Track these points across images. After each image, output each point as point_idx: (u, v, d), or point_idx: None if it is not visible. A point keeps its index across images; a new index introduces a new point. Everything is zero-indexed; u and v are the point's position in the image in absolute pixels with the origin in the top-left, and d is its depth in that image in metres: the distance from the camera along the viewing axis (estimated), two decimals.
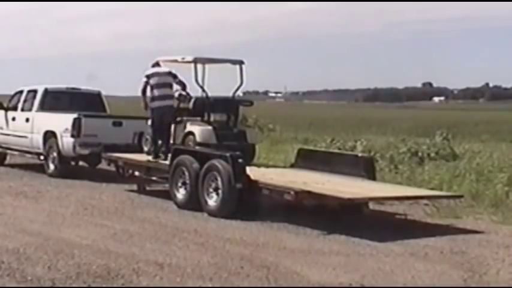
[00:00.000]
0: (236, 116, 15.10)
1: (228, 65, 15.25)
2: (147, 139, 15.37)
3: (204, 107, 14.72)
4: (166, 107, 14.52)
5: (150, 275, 8.18)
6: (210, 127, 14.48)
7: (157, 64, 14.75)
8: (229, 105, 15.04)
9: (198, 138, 14.28)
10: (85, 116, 17.34)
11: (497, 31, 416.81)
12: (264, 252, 9.55)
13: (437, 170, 16.87)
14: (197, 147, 14.12)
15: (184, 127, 14.68)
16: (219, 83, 16.85)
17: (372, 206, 12.65)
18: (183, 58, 14.90)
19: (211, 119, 14.72)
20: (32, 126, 18.32)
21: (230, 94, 15.17)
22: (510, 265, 9.26)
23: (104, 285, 7.75)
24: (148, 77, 14.46)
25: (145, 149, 15.33)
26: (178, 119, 14.86)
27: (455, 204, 13.51)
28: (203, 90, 14.76)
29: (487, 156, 19.11)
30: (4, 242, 9.77)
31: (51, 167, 17.61)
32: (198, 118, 14.73)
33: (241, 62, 15.02)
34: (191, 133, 14.42)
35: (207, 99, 14.77)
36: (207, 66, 15.19)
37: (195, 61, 14.75)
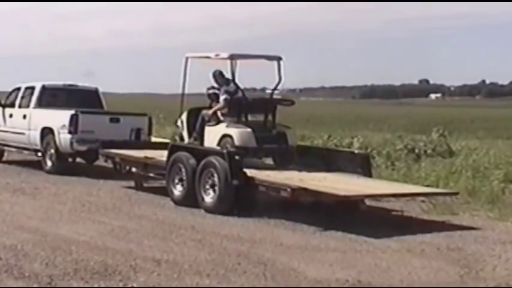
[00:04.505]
0: (274, 116, 13.99)
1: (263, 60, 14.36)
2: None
3: (241, 107, 13.79)
4: None
5: (148, 272, 8.21)
6: (249, 129, 13.40)
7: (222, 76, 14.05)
8: (267, 105, 14.02)
9: (236, 142, 13.23)
10: (82, 112, 17.34)
11: (494, 28, 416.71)
12: (261, 249, 9.57)
13: (434, 166, 16.89)
14: (194, 144, 14.08)
15: (220, 129, 13.67)
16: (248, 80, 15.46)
17: (368, 202, 12.64)
18: (217, 55, 14.02)
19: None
20: (29, 123, 18.32)
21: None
22: (506, 261, 9.29)
23: (102, 282, 7.78)
24: (230, 93, 13.80)
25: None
26: (212, 120, 13.91)
27: (451, 201, 13.53)
28: (240, 89, 13.95)
29: (483, 153, 19.10)
30: (2, 238, 9.79)
31: (49, 163, 17.60)
32: (234, 119, 13.71)
33: (279, 58, 14.11)
34: (228, 136, 13.38)
35: (244, 98, 13.92)
36: (238, 62, 14.04)
37: (232, 58, 13.83)
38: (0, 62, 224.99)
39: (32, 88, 18.83)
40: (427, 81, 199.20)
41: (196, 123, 14.15)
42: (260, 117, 13.94)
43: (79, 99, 18.77)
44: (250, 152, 13.37)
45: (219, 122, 13.80)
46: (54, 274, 8.00)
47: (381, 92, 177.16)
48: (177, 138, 14.75)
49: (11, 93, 19.66)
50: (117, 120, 17.61)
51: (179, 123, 14.71)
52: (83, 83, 19.74)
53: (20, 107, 18.91)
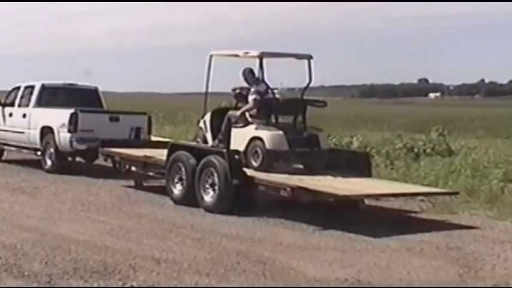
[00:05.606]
0: (304, 117, 13.38)
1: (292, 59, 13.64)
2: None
3: (272, 108, 13.18)
4: None
5: (147, 271, 8.21)
6: (280, 131, 12.77)
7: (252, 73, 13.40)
8: (297, 106, 13.41)
9: (267, 145, 12.60)
10: (82, 111, 17.34)
11: (493, 27, 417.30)
12: (260, 248, 9.58)
13: (433, 165, 16.89)
14: (193, 143, 14.06)
15: (249, 131, 13.07)
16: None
17: (367, 201, 12.69)
18: (246, 53, 13.33)
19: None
20: (29, 122, 18.32)
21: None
22: (505, 260, 9.30)
23: (101, 281, 7.78)
24: (261, 94, 13.14)
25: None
26: (240, 122, 13.30)
27: (451, 200, 13.54)
28: (270, 89, 13.43)
29: (482, 152, 19.13)
30: (1, 237, 9.79)
31: (48, 162, 17.60)
32: (264, 121, 13.05)
33: (309, 57, 13.47)
34: (258, 138, 12.76)
35: (275, 99, 13.35)
36: (265, 61, 13.42)
37: (262, 56, 13.22)
38: (0, 61, 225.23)
39: (32, 87, 18.83)
40: (426, 80, 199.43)
41: (222, 124, 13.51)
42: (289, 119, 13.33)
43: (79, 98, 18.77)
44: (282, 156, 12.89)
45: (247, 123, 13.18)
46: (54, 273, 8.00)
47: (380, 91, 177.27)
48: (200, 140, 14.18)
49: (10, 92, 19.66)
50: (117, 119, 17.61)
51: (202, 124, 14.10)
52: (82, 82, 19.77)
53: (19, 106, 18.90)
